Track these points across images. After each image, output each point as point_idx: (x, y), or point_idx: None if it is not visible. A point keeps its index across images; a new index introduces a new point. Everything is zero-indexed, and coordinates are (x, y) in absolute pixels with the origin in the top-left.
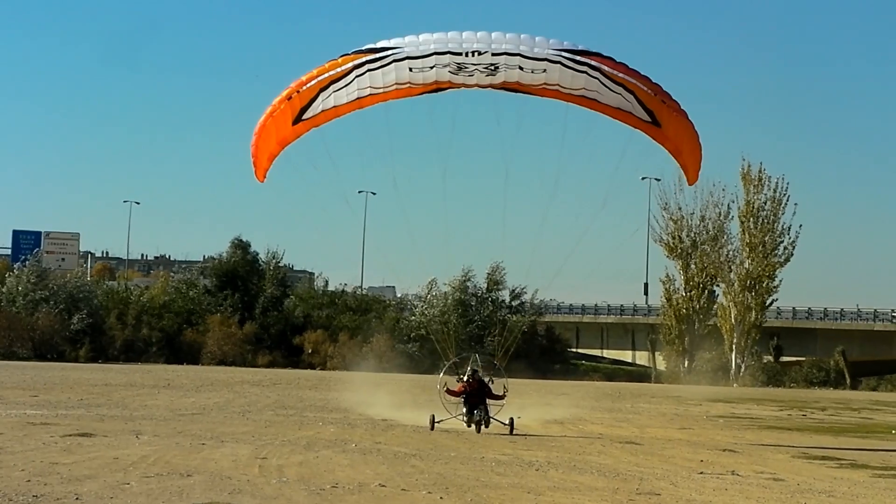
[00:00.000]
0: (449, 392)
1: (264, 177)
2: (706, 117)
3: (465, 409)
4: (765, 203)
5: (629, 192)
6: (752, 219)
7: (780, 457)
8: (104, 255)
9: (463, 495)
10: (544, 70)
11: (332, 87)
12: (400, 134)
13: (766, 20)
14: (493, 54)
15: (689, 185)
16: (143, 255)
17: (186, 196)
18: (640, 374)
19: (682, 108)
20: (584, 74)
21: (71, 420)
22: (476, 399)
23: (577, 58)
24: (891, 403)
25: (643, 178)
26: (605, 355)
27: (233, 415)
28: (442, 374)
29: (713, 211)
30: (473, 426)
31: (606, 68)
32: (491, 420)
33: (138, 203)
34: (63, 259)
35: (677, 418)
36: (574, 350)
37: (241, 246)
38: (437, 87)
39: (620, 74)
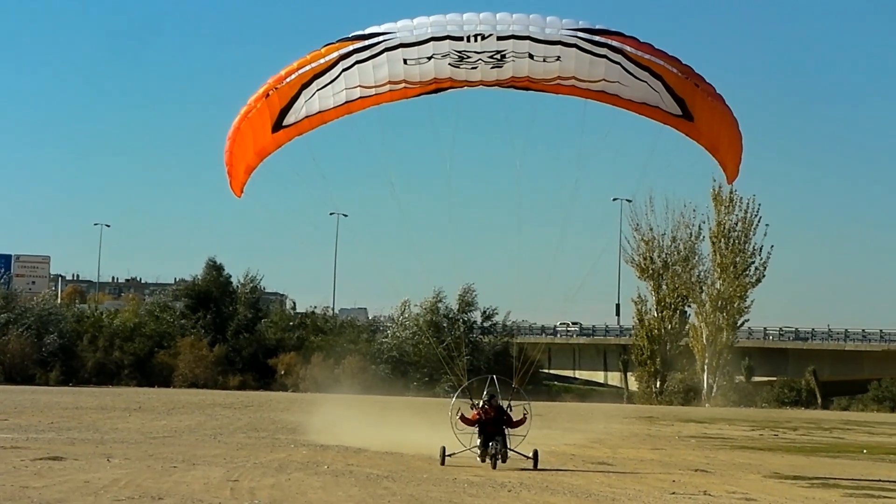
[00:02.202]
0: (464, 420)
1: (241, 191)
2: (675, 137)
3: (479, 441)
4: (736, 224)
5: (600, 213)
6: (723, 239)
7: (752, 477)
8: (75, 278)
9: None
10: (558, 57)
11: (315, 84)
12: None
13: (735, 39)
14: (499, 38)
15: (728, 183)
16: (113, 278)
17: (157, 219)
18: (612, 395)
19: (717, 91)
20: (604, 60)
21: (41, 444)
22: (493, 428)
23: (596, 38)
24: (862, 423)
25: (614, 199)
26: (577, 376)
27: (204, 437)
28: (454, 398)
29: (684, 232)
30: (489, 461)
31: (629, 49)
32: (509, 453)
33: (109, 226)
34: (34, 282)
35: (649, 438)
36: (546, 371)
37: (215, 268)
38: (437, 87)
39: (646, 56)
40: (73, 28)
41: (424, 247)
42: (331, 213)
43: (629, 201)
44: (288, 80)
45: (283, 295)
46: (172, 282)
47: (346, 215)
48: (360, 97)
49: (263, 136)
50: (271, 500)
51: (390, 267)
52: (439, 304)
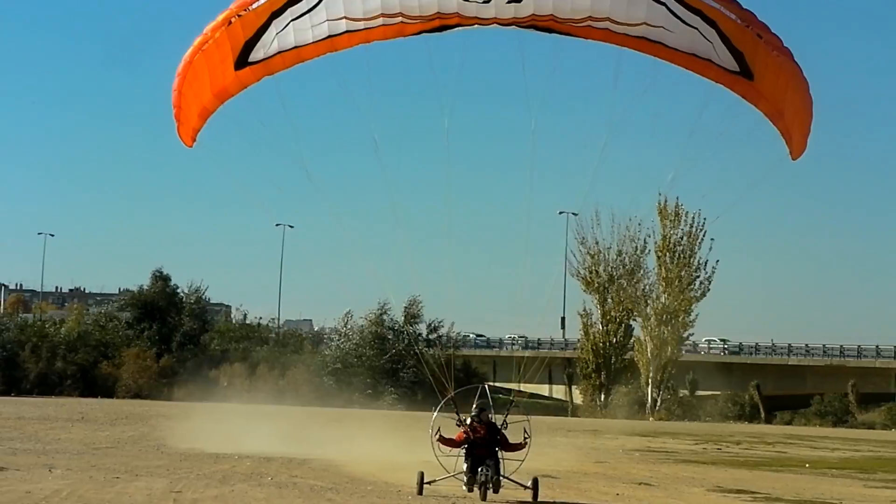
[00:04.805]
0: (444, 441)
1: (194, 140)
2: (622, 151)
3: (465, 466)
4: (681, 238)
5: (546, 226)
6: (668, 253)
7: (696, 490)
8: (18, 287)
9: None
10: None
11: (289, 13)
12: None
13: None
14: None
15: (793, 158)
16: (57, 288)
17: (101, 228)
18: (556, 408)
19: (784, 45)
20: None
21: None
22: (483, 451)
23: None
24: (805, 437)
25: (560, 213)
26: (521, 389)
27: (147, 448)
28: (435, 413)
29: (630, 245)
30: (477, 490)
31: None
32: (502, 481)
33: (53, 235)
34: None
35: (594, 452)
36: (491, 384)
37: (161, 278)
38: (441, 24)
39: None
40: (11, 34)
41: (371, 258)
42: (276, 225)
43: (575, 215)
44: (255, 5)
45: (228, 306)
46: (117, 291)
47: (291, 227)
48: (347, 31)
49: (224, 73)
50: None
51: (335, 278)
52: (384, 317)
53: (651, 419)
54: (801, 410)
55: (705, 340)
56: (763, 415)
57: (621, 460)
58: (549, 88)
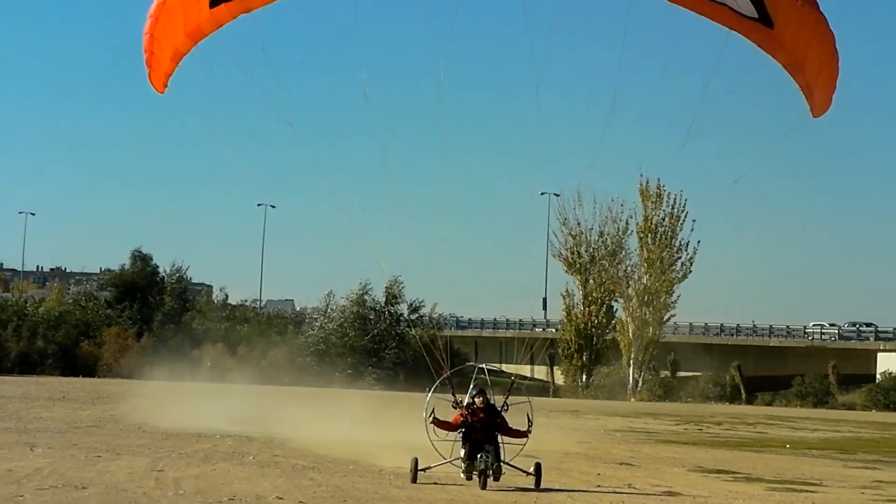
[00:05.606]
0: (438, 423)
1: (165, 86)
2: (607, 132)
3: (463, 452)
4: (663, 219)
5: (528, 207)
6: (650, 234)
7: (677, 470)
8: None
9: None
10: None
11: None
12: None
13: (663, 32)
14: None
15: (815, 116)
16: (38, 267)
17: (82, 207)
18: (538, 389)
19: None
20: None
21: None
22: (482, 435)
23: None
24: (785, 418)
25: (542, 194)
26: (503, 369)
27: (129, 427)
28: (429, 394)
29: (612, 226)
30: (476, 477)
31: None
32: (503, 467)
33: (34, 214)
34: None
35: (575, 432)
36: (473, 365)
37: (141, 258)
38: None
39: None
40: None
41: (355, 235)
42: (258, 205)
43: (557, 195)
44: None
45: (209, 286)
46: (98, 271)
47: (273, 206)
48: None
49: (198, 11)
50: (196, 490)
51: (317, 258)
52: (366, 297)
53: (633, 400)
54: (782, 391)
55: (813, 325)
56: (744, 396)
57: (603, 441)
58: (550, 46)
